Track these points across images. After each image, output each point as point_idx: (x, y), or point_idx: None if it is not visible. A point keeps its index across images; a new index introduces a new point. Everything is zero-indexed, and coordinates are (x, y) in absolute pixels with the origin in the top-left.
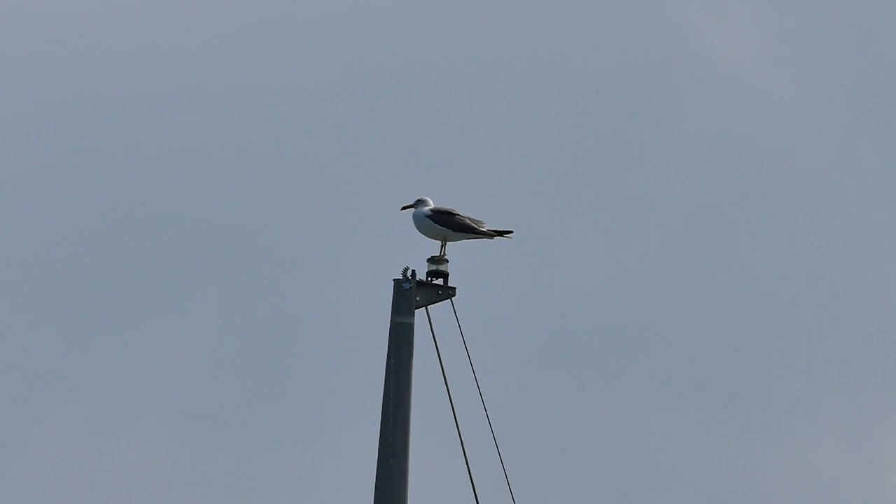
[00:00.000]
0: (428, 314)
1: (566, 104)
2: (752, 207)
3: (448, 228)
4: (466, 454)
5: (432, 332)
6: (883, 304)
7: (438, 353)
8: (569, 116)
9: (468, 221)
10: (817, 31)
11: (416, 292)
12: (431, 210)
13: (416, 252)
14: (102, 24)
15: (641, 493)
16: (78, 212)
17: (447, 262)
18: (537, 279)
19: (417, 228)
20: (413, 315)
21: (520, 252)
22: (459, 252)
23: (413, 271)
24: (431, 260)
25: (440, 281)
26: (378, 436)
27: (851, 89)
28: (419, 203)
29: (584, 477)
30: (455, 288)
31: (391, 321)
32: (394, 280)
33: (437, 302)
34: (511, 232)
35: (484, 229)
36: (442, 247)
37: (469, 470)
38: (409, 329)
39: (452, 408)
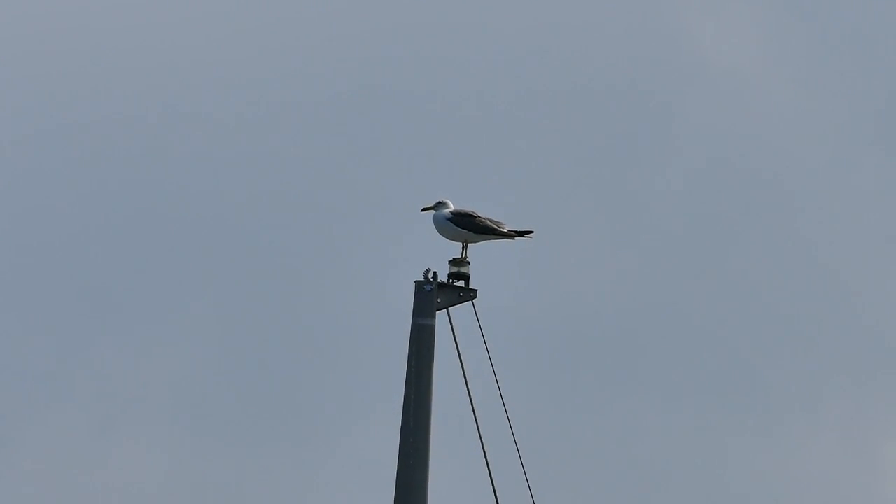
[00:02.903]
0: (449, 316)
1: (562, 107)
2: (752, 209)
3: (469, 230)
4: (487, 456)
5: (453, 334)
6: (883, 304)
7: (459, 355)
8: (565, 120)
9: (489, 223)
10: (814, 32)
11: (438, 294)
12: (452, 212)
13: (438, 254)
14: (102, 22)
15: (640, 493)
16: (75, 212)
17: (468, 264)
18: (559, 281)
19: (438, 231)
20: (434, 317)
21: (541, 253)
22: (481, 254)
23: (434, 273)
24: (453, 262)
25: (461, 283)
26: (398, 437)
27: (849, 89)
28: (439, 205)
29: (603, 477)
30: (476, 290)
31: (412, 323)
32: (415, 282)
33: (458, 304)
34: (532, 232)
35: (504, 230)
36: (463, 249)
37: (490, 472)
38: (431, 331)
39: (473, 409)
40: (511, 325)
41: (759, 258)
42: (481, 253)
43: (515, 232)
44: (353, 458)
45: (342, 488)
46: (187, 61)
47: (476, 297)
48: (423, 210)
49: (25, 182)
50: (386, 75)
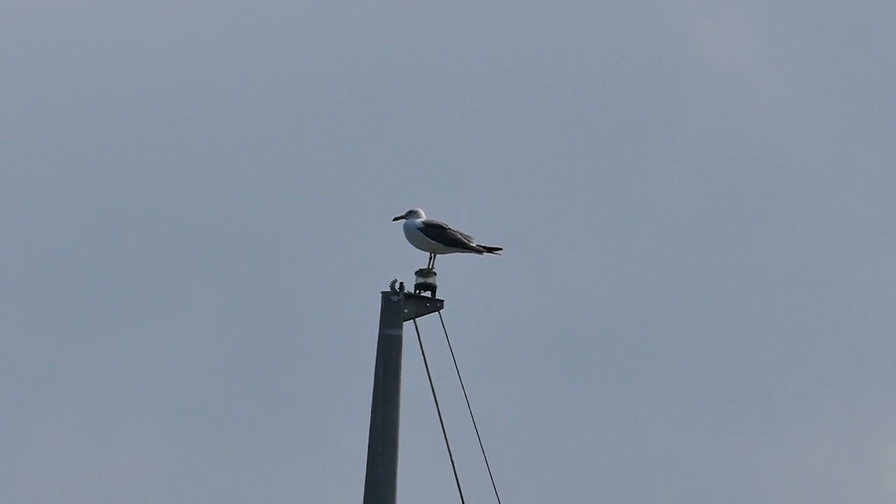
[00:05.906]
0: (416, 326)
1: (561, 108)
2: (750, 209)
3: (439, 242)
4: (455, 464)
5: (420, 344)
6: (881, 304)
7: (426, 365)
8: (564, 121)
9: (458, 236)
10: (812, 32)
11: (404, 304)
12: (423, 223)
13: (404, 264)
14: (102, 21)
15: (640, 493)
16: (73, 212)
17: (435, 274)
18: (525, 291)
19: (408, 240)
20: (401, 327)
21: (507, 264)
22: (447, 265)
23: (401, 284)
24: (419, 273)
25: (428, 293)
26: (367, 446)
27: (848, 89)
28: (411, 214)
29: (574, 486)
30: (443, 300)
31: (379, 333)
32: (382, 292)
33: (424, 314)
34: (500, 249)
35: (473, 245)
36: (430, 259)
37: (457, 480)
38: (398, 341)
39: (440, 418)
40: (477, 334)
41: (757, 258)
42: (448, 264)
43: (484, 247)
44: (323, 466)
45: (314, 495)
46: (168, 62)
47: (442, 307)
48: (395, 220)
49: (25, 182)
50: (361, 83)
